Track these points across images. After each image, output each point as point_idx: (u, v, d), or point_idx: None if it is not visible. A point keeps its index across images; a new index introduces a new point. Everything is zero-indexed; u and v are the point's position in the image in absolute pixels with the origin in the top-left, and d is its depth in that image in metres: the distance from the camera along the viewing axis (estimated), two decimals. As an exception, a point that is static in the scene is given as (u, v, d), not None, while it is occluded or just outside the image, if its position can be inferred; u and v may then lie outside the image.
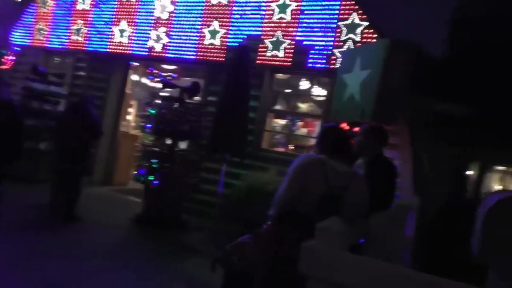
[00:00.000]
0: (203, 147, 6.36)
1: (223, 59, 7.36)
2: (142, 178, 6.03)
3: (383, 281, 1.72)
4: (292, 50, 6.82)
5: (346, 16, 6.45)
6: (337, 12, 6.54)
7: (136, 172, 6.30)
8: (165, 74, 12.02)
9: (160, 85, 11.72)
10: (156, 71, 11.96)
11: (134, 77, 10.50)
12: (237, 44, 7.17)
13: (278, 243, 2.58)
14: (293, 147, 8.22)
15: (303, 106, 8.59)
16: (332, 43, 6.55)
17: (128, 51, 8.51)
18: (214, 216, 6.95)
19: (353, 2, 6.46)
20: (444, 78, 12.34)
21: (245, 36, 7.15)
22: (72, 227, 5.55)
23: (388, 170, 3.52)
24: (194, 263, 4.90)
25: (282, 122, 8.95)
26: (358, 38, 6.37)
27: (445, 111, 12.93)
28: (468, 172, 17.47)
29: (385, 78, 5.16)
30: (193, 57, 7.71)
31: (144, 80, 11.32)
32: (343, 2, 6.51)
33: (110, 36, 8.75)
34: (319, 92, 7.87)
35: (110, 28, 8.75)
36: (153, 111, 6.12)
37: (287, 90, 8.26)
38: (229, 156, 5.76)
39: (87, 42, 9.07)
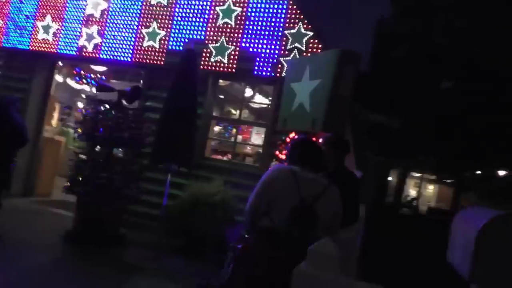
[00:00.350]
0: (145, 156, 5.95)
1: (163, 63, 7.00)
2: (75, 189, 5.46)
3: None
4: (237, 57, 6.67)
5: (292, 25, 6.46)
6: (283, 20, 6.52)
7: (68, 183, 5.70)
8: (93, 76, 11.26)
9: (89, 88, 11.13)
10: (84, 72, 11.13)
11: (58, 78, 9.61)
12: (178, 48, 6.87)
13: (254, 264, 2.42)
14: (230, 156, 8.04)
15: (245, 114, 8.49)
16: (278, 52, 6.51)
17: (54, 50, 7.75)
18: (154, 230, 6.54)
19: (298, 12, 6.49)
20: (372, 90, 13.05)
21: (187, 40, 6.86)
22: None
23: (351, 181, 3.50)
24: (138, 284, 4.51)
25: (215, 128, 8.77)
26: (303, 48, 6.40)
27: (374, 121, 13.68)
28: (389, 178, 18.62)
29: (335, 88, 5.22)
30: (130, 59, 7.23)
31: (69, 82, 10.44)
32: (289, 11, 6.51)
33: (32, 32, 7.92)
34: (262, 100, 7.82)
35: (33, 23, 7.91)
36: (88, 116, 5.59)
37: (228, 97, 8.10)
38: (176, 166, 5.43)
39: (3, 36, 8.12)
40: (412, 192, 23.12)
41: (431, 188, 25.82)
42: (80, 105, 11.50)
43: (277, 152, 5.64)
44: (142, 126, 5.88)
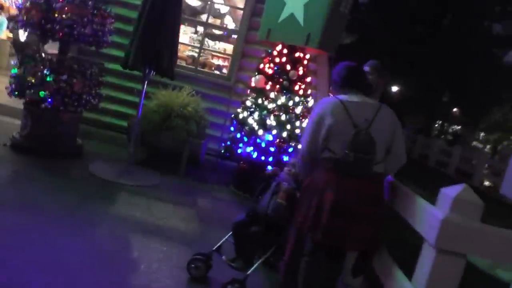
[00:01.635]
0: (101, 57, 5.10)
1: None
2: (30, 92, 4.55)
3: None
4: None
5: None
6: None
7: (12, 83, 4.70)
8: None
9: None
10: None
11: None
12: None
13: (321, 191, 2.32)
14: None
15: (216, 20, 7.68)
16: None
17: None
18: (112, 141, 5.97)
19: None
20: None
21: None
22: None
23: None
24: (126, 202, 4.12)
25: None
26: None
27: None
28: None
29: (336, 3, 4.90)
30: None
31: None
32: None
33: None
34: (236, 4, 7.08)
35: None
36: (41, 4, 4.48)
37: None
38: (155, 73, 4.76)
39: None
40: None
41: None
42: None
43: (261, 66, 5.27)
44: (106, 21, 4.94)
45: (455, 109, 24.15)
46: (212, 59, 8.45)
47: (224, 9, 9.04)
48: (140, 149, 5.43)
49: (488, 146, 26.45)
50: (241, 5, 6.77)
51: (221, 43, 8.58)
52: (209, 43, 8.53)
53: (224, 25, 9.17)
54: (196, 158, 5.65)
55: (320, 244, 2.31)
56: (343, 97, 2.42)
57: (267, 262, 2.88)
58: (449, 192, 1.96)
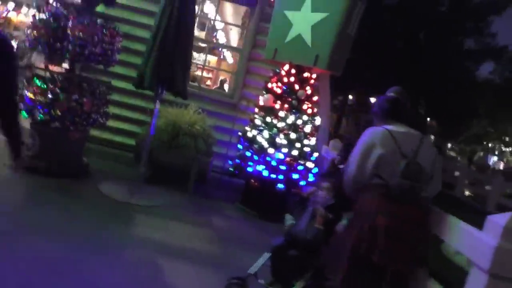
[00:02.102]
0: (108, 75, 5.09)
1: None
2: (41, 112, 4.47)
3: None
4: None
5: None
6: None
7: (21, 102, 4.61)
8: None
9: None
10: None
11: None
12: None
13: (374, 216, 2.42)
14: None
15: (202, 33, 7.73)
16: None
17: None
18: (117, 159, 5.91)
19: None
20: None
21: None
22: None
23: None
24: (144, 223, 4.09)
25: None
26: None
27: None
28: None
29: (344, 25, 5.05)
30: None
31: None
32: None
33: None
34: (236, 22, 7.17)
35: None
36: (51, 23, 4.43)
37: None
38: (170, 93, 4.76)
39: None
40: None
41: None
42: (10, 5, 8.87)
43: (269, 85, 5.36)
44: (115, 40, 4.92)
45: (430, 120, 24.97)
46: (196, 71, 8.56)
47: (219, 25, 9.12)
48: (147, 166, 5.40)
49: (460, 157, 27.45)
50: (231, 21, 6.82)
51: (202, 54, 8.59)
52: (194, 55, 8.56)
53: (215, 40, 9.25)
54: (203, 175, 5.66)
55: (374, 265, 2.40)
56: (390, 127, 2.56)
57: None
58: (499, 220, 2.09)
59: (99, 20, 4.81)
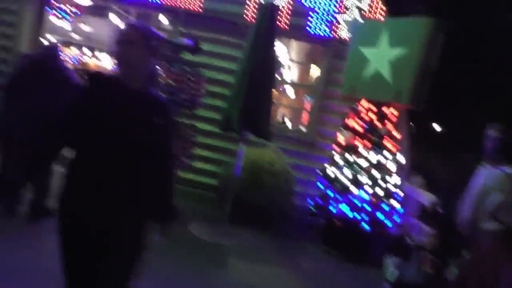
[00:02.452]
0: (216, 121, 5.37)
1: (201, 9, 6.15)
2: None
3: None
4: (290, 11, 6.05)
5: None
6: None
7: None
8: (67, 8, 9.67)
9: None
10: (55, 3, 9.48)
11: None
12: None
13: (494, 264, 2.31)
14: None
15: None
16: (335, 8, 6.00)
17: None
18: (209, 200, 6.09)
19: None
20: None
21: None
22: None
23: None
24: (239, 267, 4.15)
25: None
26: (362, 5, 5.96)
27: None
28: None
29: (425, 59, 4.96)
30: (159, 1, 6.24)
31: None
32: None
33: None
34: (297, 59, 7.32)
35: None
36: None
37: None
38: (253, 135, 4.91)
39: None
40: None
41: None
42: (74, 51, 9.90)
43: (348, 122, 5.34)
44: (200, 86, 5.19)
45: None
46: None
47: (284, 61, 9.32)
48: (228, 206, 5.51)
49: None
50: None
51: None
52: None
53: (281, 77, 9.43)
54: (285, 215, 5.66)
55: None
56: (507, 169, 2.44)
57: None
58: None
59: (187, 68, 5.11)
